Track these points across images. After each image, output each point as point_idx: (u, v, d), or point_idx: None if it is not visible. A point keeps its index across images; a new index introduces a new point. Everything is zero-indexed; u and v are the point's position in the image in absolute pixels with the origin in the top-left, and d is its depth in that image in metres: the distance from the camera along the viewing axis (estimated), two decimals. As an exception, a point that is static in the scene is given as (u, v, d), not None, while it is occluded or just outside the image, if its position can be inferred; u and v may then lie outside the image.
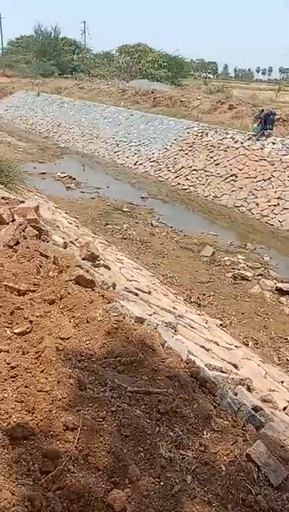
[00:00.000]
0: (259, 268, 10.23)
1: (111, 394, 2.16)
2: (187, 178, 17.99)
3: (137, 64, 39.76)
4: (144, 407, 2.21)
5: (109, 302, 2.96)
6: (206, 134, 19.43)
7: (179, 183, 17.99)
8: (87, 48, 52.16)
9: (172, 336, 3.30)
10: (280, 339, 7.25)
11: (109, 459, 1.81)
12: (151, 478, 1.86)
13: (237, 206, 15.52)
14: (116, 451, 1.84)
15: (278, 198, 14.78)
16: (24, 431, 1.76)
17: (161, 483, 1.87)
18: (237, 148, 17.73)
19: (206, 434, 2.21)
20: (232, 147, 17.96)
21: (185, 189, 17.53)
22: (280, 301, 8.61)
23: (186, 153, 19.17)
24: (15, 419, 1.82)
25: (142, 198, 16.08)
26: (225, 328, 6.86)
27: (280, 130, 18.14)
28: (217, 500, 1.91)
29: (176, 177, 18.38)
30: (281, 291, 8.95)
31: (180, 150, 19.57)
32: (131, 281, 5.51)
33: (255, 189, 15.65)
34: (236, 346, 5.50)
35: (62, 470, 1.66)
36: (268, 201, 14.93)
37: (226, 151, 18.00)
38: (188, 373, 2.59)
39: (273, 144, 16.95)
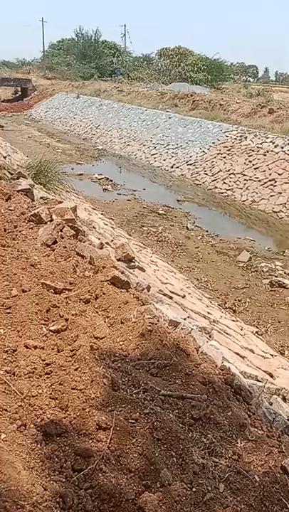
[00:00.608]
0: (297, 276, 9.97)
1: (144, 396, 2.14)
2: (224, 182, 17.79)
3: (176, 67, 39.77)
4: (177, 411, 2.18)
5: (143, 304, 2.94)
6: (245, 138, 19.16)
7: (216, 187, 17.82)
8: (127, 51, 52.66)
9: (207, 341, 3.25)
10: None
11: (141, 462, 1.80)
12: (183, 484, 1.83)
13: (275, 212, 15.20)
14: (148, 454, 1.82)
15: None
16: (58, 428, 1.78)
17: (193, 489, 1.83)
18: (277, 153, 17.37)
19: (240, 442, 2.16)
20: (271, 151, 17.62)
21: (222, 193, 17.34)
22: None
23: (224, 157, 18.98)
24: (49, 416, 1.83)
25: (177, 201, 16.02)
26: (260, 336, 6.71)
27: None
28: (250, 510, 1.85)
29: (213, 180, 18.22)
30: None
31: (218, 153, 19.39)
32: (165, 284, 5.49)
33: (295, 195, 15.29)
34: (272, 355, 5.36)
35: (94, 469, 1.66)
36: (308, 207, 14.56)
37: (265, 155, 17.68)
38: (223, 380, 2.54)
39: (315, 148, 16.53)
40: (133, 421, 1.94)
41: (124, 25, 53.31)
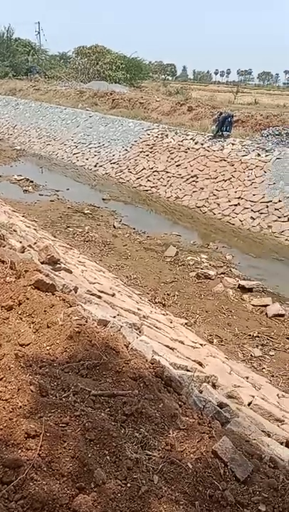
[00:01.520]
0: (222, 267, 10.39)
1: (74, 398, 2.12)
2: (149, 180, 18.06)
3: (94, 65, 39.56)
4: (108, 410, 2.18)
5: (70, 306, 2.91)
6: (166, 136, 19.58)
7: (140, 185, 18.04)
8: (43, 49, 51.39)
9: (137, 337, 3.28)
10: (244, 335, 7.38)
11: (74, 465, 1.77)
12: (118, 481, 1.84)
13: (199, 206, 15.72)
14: (80, 456, 1.80)
15: (239, 198, 15.08)
16: (-17, 441, 1.70)
17: (128, 484, 1.85)
18: (197, 150, 17.96)
19: (172, 433, 2.21)
20: (192, 148, 18.18)
21: (147, 190, 17.59)
22: (242, 299, 8.77)
23: (147, 155, 19.25)
24: (-27, 430, 1.75)
25: (103, 199, 15.99)
26: (190, 327, 6.92)
27: (239, 131, 18.53)
28: (185, 498, 1.90)
29: (138, 178, 18.42)
30: (243, 289, 9.11)
31: (141, 151, 19.63)
32: (94, 283, 5.46)
33: (216, 189, 15.91)
34: (201, 344, 5.55)
35: (24, 479, 1.61)
36: (229, 201, 15.20)
37: (186, 152, 18.20)
38: (153, 373, 2.58)
39: (233, 145, 17.28)
40: (64, 425, 1.91)
41: (38, 23, 52.04)
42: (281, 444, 2.84)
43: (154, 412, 2.24)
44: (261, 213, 14.13)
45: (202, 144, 18.03)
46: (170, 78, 77.71)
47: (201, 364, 3.97)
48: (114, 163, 19.97)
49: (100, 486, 1.76)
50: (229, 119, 18.03)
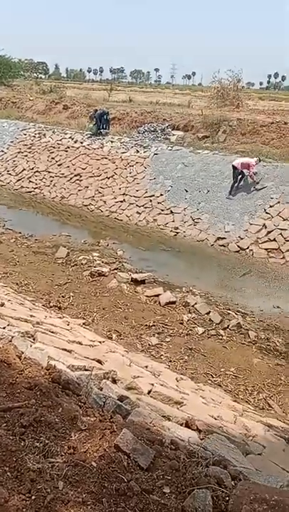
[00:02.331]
0: (114, 263, 10.53)
1: None
2: (31, 181, 17.54)
3: None
4: (5, 424, 2.10)
5: None
6: (44, 135, 19.18)
7: (22, 186, 17.45)
8: None
9: (30, 345, 3.19)
10: (141, 326, 7.59)
11: (-29, 490, 1.68)
12: (22, 496, 1.78)
13: (86, 205, 15.72)
14: (-23, 480, 1.71)
15: (123, 195, 15.40)
16: None
17: (33, 497, 1.80)
18: (78, 148, 17.90)
19: (74, 435, 2.20)
20: (72, 147, 18.07)
21: (30, 192, 17.08)
22: (136, 291, 9.00)
23: (26, 155, 18.67)
24: None
25: (-17, 205, 15.17)
26: (88, 326, 6.91)
27: (116, 129, 18.88)
28: (92, 497, 1.91)
29: (19, 180, 17.79)
30: (136, 282, 9.36)
31: (19, 152, 18.96)
32: (-19, 295, 5.16)
33: (101, 187, 16.04)
34: (100, 342, 5.59)
35: None
36: (114, 198, 15.45)
37: (66, 151, 18.03)
38: (50, 379, 2.54)
39: (112, 142, 17.56)
40: None
41: None
42: (181, 425, 2.99)
43: (53, 419, 2.21)
44: (146, 208, 14.61)
45: (82, 143, 18.02)
46: (43, 76, 76.01)
47: (100, 361, 4.00)
48: (-9, 166, 19.00)
49: (2, 505, 1.68)
50: (105, 117, 18.27)
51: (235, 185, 13.54)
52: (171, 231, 13.47)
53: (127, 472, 2.05)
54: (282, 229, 11.99)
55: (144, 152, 16.47)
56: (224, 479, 2.16)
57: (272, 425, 4.28)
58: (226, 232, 12.65)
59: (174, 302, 8.49)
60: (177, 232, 13.34)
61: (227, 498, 2.01)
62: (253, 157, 13.91)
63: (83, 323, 6.94)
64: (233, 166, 13.47)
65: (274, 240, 11.88)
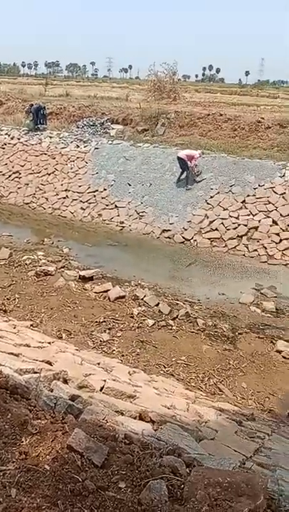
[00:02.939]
0: (60, 261, 10.36)
1: None
2: None
3: None
4: None
5: None
6: (-21, 133, 18.42)
7: None
8: None
9: (-26, 352, 3.07)
10: (91, 323, 7.54)
11: None
12: (-28, 512, 1.72)
13: (27, 203, 15.32)
14: None
15: (66, 191, 15.15)
16: None
17: (-16, 509, 1.74)
18: (15, 145, 17.36)
19: (25, 440, 2.15)
20: (9, 144, 17.50)
21: None
22: (84, 288, 8.91)
23: None
24: None
25: None
26: (36, 328, 6.77)
27: (55, 124, 18.49)
28: (46, 501, 1.88)
29: None
30: (84, 279, 9.27)
31: None
32: None
33: (42, 184, 15.69)
34: (49, 342, 5.49)
35: None
36: (57, 194, 15.17)
37: (3, 148, 17.45)
38: (-4, 386, 2.46)
39: (50, 138, 17.18)
40: None
41: None
42: (134, 418, 3.01)
43: (2, 425, 2.15)
44: (90, 203, 14.49)
45: (19, 139, 17.51)
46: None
47: (50, 363, 3.93)
48: None
49: None
50: (42, 112, 17.83)
51: (183, 176, 13.68)
52: (116, 225, 13.44)
53: (82, 471, 2.03)
54: (223, 218, 12.34)
55: (85, 147, 16.27)
56: (179, 467, 2.20)
57: (223, 409, 4.41)
58: (170, 224, 12.82)
59: (123, 297, 8.50)
60: (123, 227, 13.34)
61: (182, 486, 2.05)
62: (192, 149, 14.14)
63: (31, 325, 6.79)
64: (180, 158, 13.59)
65: (216, 229, 12.20)
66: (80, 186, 15.06)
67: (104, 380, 3.90)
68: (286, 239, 11.43)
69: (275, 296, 9.24)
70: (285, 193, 12.26)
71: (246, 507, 1.95)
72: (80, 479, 1.98)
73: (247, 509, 1.95)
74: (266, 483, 2.13)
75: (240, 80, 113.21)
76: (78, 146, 16.37)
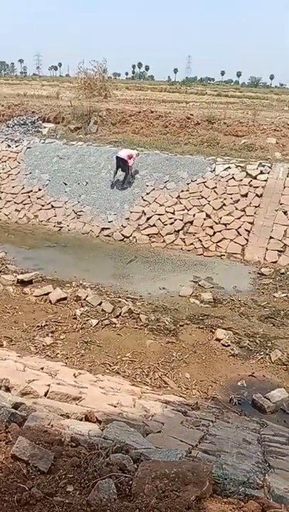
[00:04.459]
0: (-4, 266, 10.02)
1: None
2: None
3: None
4: None
5: None
6: None
7: None
8: None
9: None
10: (33, 328, 7.37)
11: None
12: None
13: None
14: None
15: (-2, 192, 14.64)
16: None
17: None
18: None
19: None
20: None
21: None
22: (24, 292, 8.68)
23: None
24: None
25: None
26: (-27, 338, 6.51)
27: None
28: (-6, 515, 1.83)
29: None
30: (23, 283, 9.02)
31: None
32: None
33: (-28, 186, 15.04)
34: (-11, 351, 5.31)
35: None
36: (-12, 196, 14.61)
37: None
38: None
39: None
40: None
41: None
42: (81, 420, 3.00)
43: None
44: (25, 204, 14.12)
45: None
46: None
47: (-10, 372, 3.80)
48: None
49: None
50: None
51: (118, 175, 13.64)
52: (54, 226, 13.22)
53: (28, 480, 2.00)
54: (159, 214, 12.53)
55: (16, 146, 15.81)
56: (127, 464, 2.23)
57: (169, 401, 4.51)
58: (109, 222, 12.81)
59: (65, 298, 8.38)
60: (61, 227, 13.14)
61: (130, 482, 2.08)
62: (129, 148, 14.13)
63: None
64: (120, 158, 13.46)
65: (154, 225, 12.37)
66: (13, 187, 14.63)
67: (49, 385, 3.84)
68: (219, 231, 11.84)
69: (212, 287, 9.55)
70: (216, 187, 12.67)
71: (193, 494, 2.02)
72: (26, 488, 1.95)
73: (194, 496, 2.02)
74: (211, 469, 2.22)
75: (169, 77, 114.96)
76: (10, 146, 15.87)
